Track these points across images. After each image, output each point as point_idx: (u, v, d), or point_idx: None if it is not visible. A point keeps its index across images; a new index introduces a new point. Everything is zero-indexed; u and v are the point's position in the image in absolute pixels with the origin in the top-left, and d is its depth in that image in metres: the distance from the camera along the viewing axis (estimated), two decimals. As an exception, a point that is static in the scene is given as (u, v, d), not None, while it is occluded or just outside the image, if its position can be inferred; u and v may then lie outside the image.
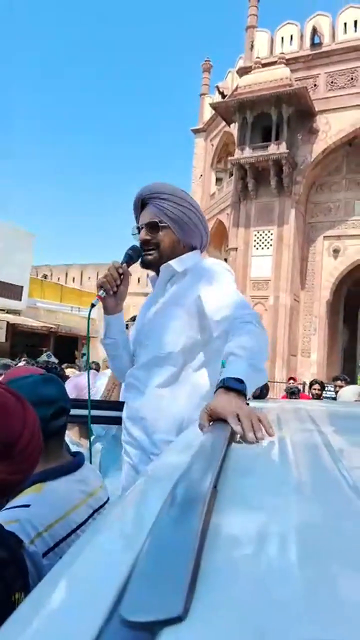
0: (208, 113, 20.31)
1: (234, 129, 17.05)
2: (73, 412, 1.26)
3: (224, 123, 18.07)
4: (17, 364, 5.09)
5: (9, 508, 0.94)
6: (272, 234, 15.91)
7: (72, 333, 19.28)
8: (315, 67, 16.20)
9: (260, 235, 16.13)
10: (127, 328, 1.58)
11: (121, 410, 1.52)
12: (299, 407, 1.43)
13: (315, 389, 6.73)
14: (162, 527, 0.36)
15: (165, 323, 1.41)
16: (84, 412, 1.48)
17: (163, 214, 1.42)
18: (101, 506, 1.18)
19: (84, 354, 19.20)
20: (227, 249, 17.10)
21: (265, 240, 16.04)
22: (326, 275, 16.26)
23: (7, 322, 16.44)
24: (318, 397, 6.54)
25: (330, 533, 0.38)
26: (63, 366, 4.44)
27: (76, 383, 2.59)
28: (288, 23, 17.04)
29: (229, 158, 17.20)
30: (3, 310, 16.51)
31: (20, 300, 17.23)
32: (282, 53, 16.37)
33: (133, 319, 1.95)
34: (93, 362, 8.11)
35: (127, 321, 1.58)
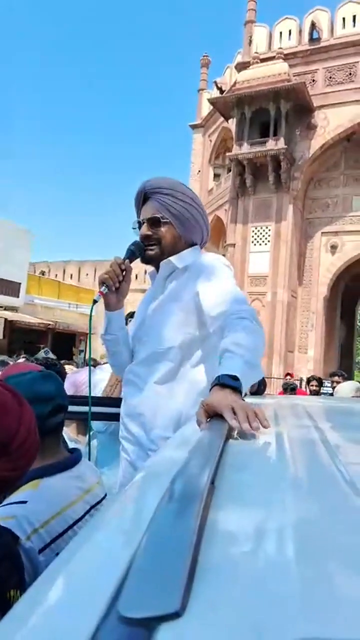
0: (206, 109, 20.23)
1: (232, 124, 16.99)
2: (72, 408, 1.26)
3: (222, 119, 18.00)
4: (17, 360, 5.09)
5: (6, 504, 0.94)
6: (269, 230, 15.89)
7: (69, 330, 19.27)
8: (313, 62, 16.13)
9: (258, 231, 16.11)
10: (125, 324, 1.58)
11: (119, 406, 1.52)
12: (296, 403, 1.44)
13: (312, 385, 6.75)
14: (160, 523, 0.36)
15: (165, 319, 1.41)
16: (83, 408, 1.48)
17: (165, 210, 1.41)
18: (98, 502, 1.18)
19: (81, 351, 19.20)
20: (225, 245, 17.07)
21: (263, 236, 16.02)
22: (323, 271, 16.26)
23: (5, 319, 16.43)
24: (316, 393, 6.56)
25: (327, 529, 0.38)
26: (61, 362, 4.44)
27: (74, 380, 2.58)
28: (287, 18, 16.95)
29: (227, 154, 17.15)
30: (1, 307, 16.49)
31: (18, 296, 17.21)
32: (281, 48, 16.30)
33: (131, 315, 1.95)
34: (92, 359, 8.12)
35: (125, 317, 1.58)
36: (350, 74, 15.58)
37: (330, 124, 15.57)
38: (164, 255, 1.44)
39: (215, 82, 19.12)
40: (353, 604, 0.26)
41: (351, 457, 0.72)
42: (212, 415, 0.87)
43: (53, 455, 1.13)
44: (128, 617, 0.24)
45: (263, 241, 16.00)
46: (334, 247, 16.17)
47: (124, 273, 1.42)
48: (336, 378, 6.52)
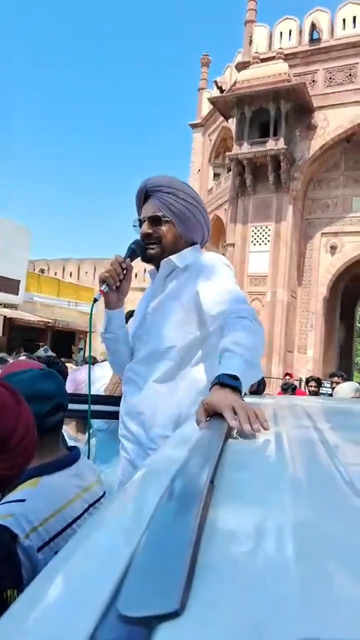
0: (206, 108, 20.21)
1: (232, 124, 16.98)
2: (71, 406, 1.26)
3: (222, 118, 17.99)
4: (18, 357, 5.09)
5: (5, 503, 0.94)
6: (269, 230, 15.89)
7: (69, 328, 19.26)
8: (313, 62, 16.13)
9: (258, 231, 16.11)
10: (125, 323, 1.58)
11: (119, 405, 1.52)
12: (295, 404, 1.44)
13: (311, 386, 6.76)
14: (159, 522, 0.36)
15: (165, 318, 1.41)
16: (83, 407, 1.48)
17: (166, 208, 1.40)
18: (96, 501, 1.18)
19: (80, 349, 19.18)
20: (225, 245, 17.07)
21: (263, 236, 16.03)
22: (323, 271, 16.27)
23: (4, 317, 16.42)
24: (314, 393, 6.57)
25: (326, 528, 0.38)
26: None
27: (74, 378, 2.58)
28: (287, 18, 16.95)
29: (227, 153, 17.14)
30: (0, 304, 16.47)
31: (17, 294, 17.19)
32: (281, 48, 16.29)
33: (130, 313, 1.94)
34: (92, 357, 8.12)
35: (125, 315, 1.57)
36: (350, 75, 15.58)
37: (330, 124, 15.57)
38: (164, 254, 1.44)
39: (216, 82, 19.11)
40: (353, 603, 0.26)
41: (350, 457, 0.72)
42: (212, 414, 0.87)
43: (52, 453, 1.13)
44: (127, 616, 0.24)
45: (263, 241, 16.00)
46: (333, 248, 16.18)
47: (124, 272, 1.42)
48: (335, 379, 6.53)
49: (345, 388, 4.62)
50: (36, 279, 19.97)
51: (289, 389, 6.54)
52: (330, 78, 15.86)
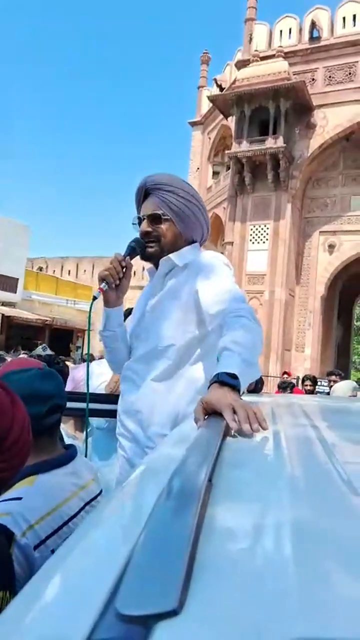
0: (206, 106, 20.17)
1: (231, 122, 16.95)
2: (70, 405, 1.26)
3: (221, 116, 17.95)
4: (17, 355, 5.09)
5: (1, 501, 0.94)
6: (268, 229, 15.88)
7: (67, 326, 19.25)
8: (313, 61, 16.11)
9: (256, 229, 16.10)
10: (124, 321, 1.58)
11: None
12: (292, 402, 1.44)
13: (307, 385, 6.77)
14: (158, 520, 0.36)
15: (164, 317, 1.41)
16: (81, 405, 1.48)
17: (166, 206, 1.40)
18: (93, 499, 1.18)
19: (78, 347, 19.17)
20: (223, 243, 17.05)
21: (261, 234, 16.02)
22: (321, 270, 16.27)
23: (2, 315, 16.40)
24: (310, 392, 6.57)
25: (324, 527, 0.38)
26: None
27: (72, 376, 2.58)
28: (287, 16, 16.92)
29: (226, 152, 17.12)
30: (-2, 302, 16.45)
31: (16, 292, 17.18)
32: (281, 46, 16.26)
33: (128, 311, 1.94)
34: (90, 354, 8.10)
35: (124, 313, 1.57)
36: (349, 73, 15.56)
37: (329, 123, 15.55)
38: (163, 252, 1.43)
39: (215, 80, 19.06)
40: (351, 602, 0.26)
41: (347, 455, 0.72)
42: (210, 413, 0.87)
43: (49, 452, 1.12)
44: (126, 614, 0.24)
45: (261, 239, 16.00)
46: (331, 247, 16.18)
47: (124, 270, 1.42)
48: (333, 377, 6.54)
49: (342, 386, 4.63)
50: (34, 277, 19.94)
51: (286, 387, 6.54)
52: (330, 76, 15.84)
